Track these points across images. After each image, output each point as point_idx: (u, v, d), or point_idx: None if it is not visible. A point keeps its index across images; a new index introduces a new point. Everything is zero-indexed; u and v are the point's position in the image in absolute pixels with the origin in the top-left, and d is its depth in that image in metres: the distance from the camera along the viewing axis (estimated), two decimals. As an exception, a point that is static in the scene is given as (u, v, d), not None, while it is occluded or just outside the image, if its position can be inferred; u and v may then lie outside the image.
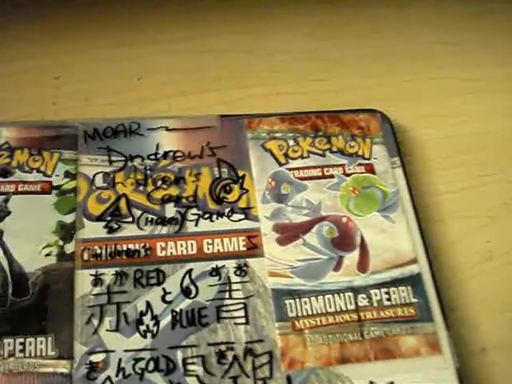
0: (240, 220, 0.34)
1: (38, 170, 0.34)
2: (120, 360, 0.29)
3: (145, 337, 0.30)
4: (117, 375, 0.29)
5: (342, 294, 0.32)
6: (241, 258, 0.33)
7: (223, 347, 0.30)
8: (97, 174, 0.35)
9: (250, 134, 0.37)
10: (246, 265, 0.33)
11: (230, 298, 0.32)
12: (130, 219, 0.33)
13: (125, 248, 0.32)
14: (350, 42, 0.46)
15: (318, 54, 0.45)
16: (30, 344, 0.29)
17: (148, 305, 0.31)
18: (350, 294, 0.32)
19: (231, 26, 0.46)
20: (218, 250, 0.33)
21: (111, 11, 0.46)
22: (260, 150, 0.37)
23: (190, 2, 0.47)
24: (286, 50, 0.45)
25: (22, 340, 0.29)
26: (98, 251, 0.32)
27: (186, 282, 0.32)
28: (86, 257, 0.32)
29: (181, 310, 0.31)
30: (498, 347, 0.33)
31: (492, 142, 0.41)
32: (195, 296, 0.31)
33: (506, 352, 0.33)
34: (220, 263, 0.32)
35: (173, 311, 0.31)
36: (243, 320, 0.31)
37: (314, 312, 0.32)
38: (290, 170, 0.36)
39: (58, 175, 0.34)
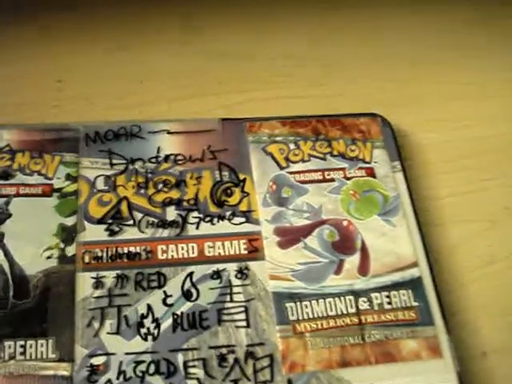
0: (241, 223, 0.34)
1: (39, 173, 0.34)
2: (121, 363, 0.29)
3: (146, 340, 0.30)
4: (117, 378, 0.29)
5: (342, 298, 0.32)
6: (242, 261, 0.33)
7: (224, 350, 0.30)
8: (98, 176, 0.35)
9: (251, 137, 0.37)
10: (246, 268, 0.33)
11: (231, 301, 0.32)
12: (131, 222, 0.33)
13: (126, 251, 0.32)
14: (351, 47, 0.47)
15: (318, 59, 0.45)
16: (31, 346, 0.29)
17: (149, 308, 0.31)
18: (351, 297, 0.32)
19: (232, 30, 0.46)
20: (219, 253, 0.33)
21: (113, 15, 0.46)
22: (261, 153, 0.37)
23: (191, 6, 0.47)
24: (287, 54, 0.45)
25: (22, 342, 0.29)
26: (99, 254, 0.32)
27: (187, 285, 0.32)
28: (87, 259, 0.32)
29: (182, 312, 0.31)
30: (499, 351, 0.33)
31: (493, 146, 0.41)
32: (196, 299, 0.31)
33: (507, 356, 0.33)
34: (221, 266, 0.32)
35: (174, 314, 0.31)
36: (244, 323, 0.31)
37: (315, 315, 0.32)
38: (290, 173, 0.36)
39: (59, 178, 0.34)
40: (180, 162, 0.36)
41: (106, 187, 0.34)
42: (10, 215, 0.33)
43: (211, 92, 0.42)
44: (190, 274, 0.32)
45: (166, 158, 0.36)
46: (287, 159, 0.37)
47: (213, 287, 0.32)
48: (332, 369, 0.30)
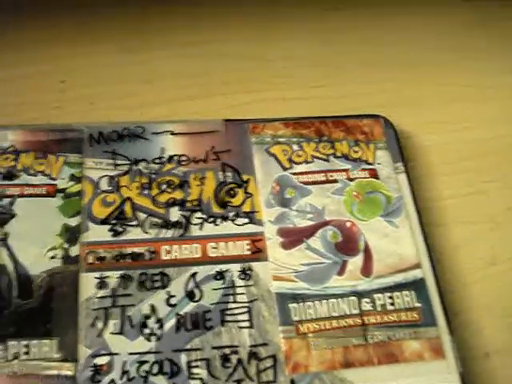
0: (244, 224, 0.34)
1: (43, 173, 0.34)
2: (124, 363, 0.29)
3: (149, 340, 0.30)
4: (121, 378, 0.29)
5: (345, 299, 0.32)
6: (245, 261, 0.33)
7: (227, 351, 0.30)
8: (102, 177, 0.35)
9: (255, 138, 0.37)
10: (250, 269, 0.33)
11: (235, 301, 0.32)
12: (135, 222, 0.33)
13: (129, 251, 0.33)
14: (353, 48, 0.47)
15: (320, 60, 0.45)
16: (35, 346, 0.29)
17: (152, 308, 0.31)
18: (354, 298, 0.32)
19: (237, 31, 0.46)
20: (223, 253, 0.33)
21: (116, 15, 0.46)
22: (264, 154, 0.37)
23: (196, 7, 0.47)
24: (289, 55, 0.45)
25: (26, 342, 0.29)
26: (103, 254, 0.32)
27: (191, 285, 0.32)
28: (90, 260, 0.32)
29: (185, 313, 0.31)
30: (502, 352, 0.33)
31: (494, 148, 0.42)
32: (199, 299, 0.31)
33: (510, 357, 0.33)
34: (224, 267, 0.33)
35: (177, 314, 0.31)
36: (247, 324, 0.31)
37: (318, 316, 0.32)
38: (294, 174, 0.36)
39: (63, 178, 0.34)
40: (183, 163, 0.36)
41: (110, 188, 0.35)
42: (14, 215, 0.33)
43: (214, 93, 0.42)
44: (194, 275, 0.32)
45: (170, 158, 0.36)
46: (290, 160, 0.37)
47: (216, 288, 0.32)
48: (335, 369, 0.30)
